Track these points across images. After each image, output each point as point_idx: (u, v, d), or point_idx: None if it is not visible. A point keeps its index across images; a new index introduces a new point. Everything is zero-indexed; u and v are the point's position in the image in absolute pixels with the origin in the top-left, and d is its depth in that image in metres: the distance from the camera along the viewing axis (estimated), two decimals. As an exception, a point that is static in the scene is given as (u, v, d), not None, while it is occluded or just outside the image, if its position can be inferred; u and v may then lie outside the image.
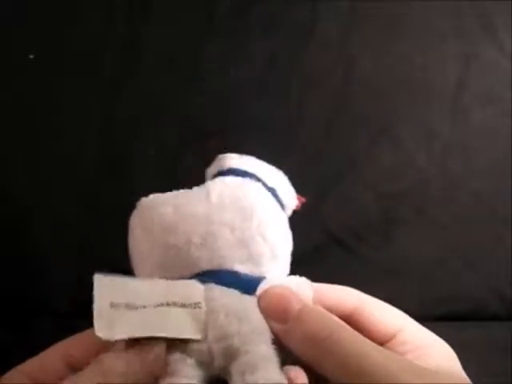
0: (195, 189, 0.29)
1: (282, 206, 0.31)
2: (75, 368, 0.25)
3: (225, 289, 0.25)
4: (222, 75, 0.65)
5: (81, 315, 0.62)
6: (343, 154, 0.66)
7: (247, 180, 0.28)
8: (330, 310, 0.27)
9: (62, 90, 0.64)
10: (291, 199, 0.32)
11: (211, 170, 0.32)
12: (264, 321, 0.24)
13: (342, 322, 0.24)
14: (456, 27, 0.68)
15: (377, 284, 0.67)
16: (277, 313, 0.24)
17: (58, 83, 0.64)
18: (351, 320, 0.28)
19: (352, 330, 0.24)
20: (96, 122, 0.64)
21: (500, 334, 0.63)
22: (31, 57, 0.63)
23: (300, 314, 0.24)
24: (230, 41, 0.66)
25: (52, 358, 0.26)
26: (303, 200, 0.33)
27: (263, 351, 0.23)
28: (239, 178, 0.29)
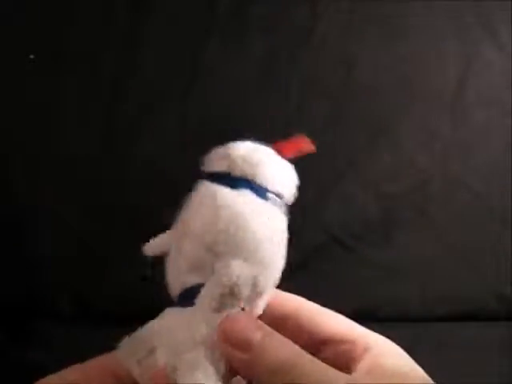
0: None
1: (281, 206, 0.29)
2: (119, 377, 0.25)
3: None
4: (222, 75, 0.65)
5: (80, 315, 0.62)
6: (343, 154, 0.66)
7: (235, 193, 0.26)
8: (271, 309, 0.27)
9: (62, 90, 0.64)
10: (290, 190, 0.29)
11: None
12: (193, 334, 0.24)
13: (301, 350, 0.24)
14: (456, 27, 0.68)
15: (377, 284, 0.68)
16: (238, 342, 0.24)
17: (58, 83, 0.64)
18: (291, 321, 0.28)
19: (312, 358, 0.24)
20: (96, 121, 0.64)
21: (500, 334, 0.63)
22: (31, 57, 0.63)
23: (263, 343, 0.24)
24: (230, 41, 0.66)
25: (97, 369, 0.26)
26: (309, 147, 0.29)
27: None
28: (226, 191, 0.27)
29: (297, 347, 0.24)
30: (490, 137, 0.68)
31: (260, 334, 0.24)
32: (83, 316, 0.61)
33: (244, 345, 0.24)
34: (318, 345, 0.27)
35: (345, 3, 0.67)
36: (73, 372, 0.26)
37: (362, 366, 0.25)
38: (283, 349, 0.24)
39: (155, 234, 0.31)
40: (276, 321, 0.27)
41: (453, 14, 0.68)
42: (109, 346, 0.26)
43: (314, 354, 0.24)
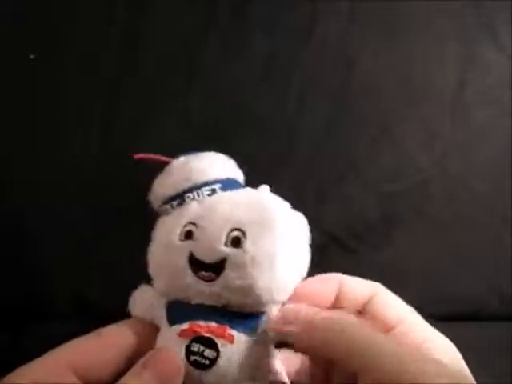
0: None
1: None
2: (80, 375, 0.25)
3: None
4: (222, 75, 0.65)
5: (80, 316, 0.62)
6: (343, 154, 0.66)
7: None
8: (348, 299, 0.29)
9: (63, 90, 0.64)
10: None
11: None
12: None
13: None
14: (456, 27, 0.68)
15: (377, 284, 0.68)
16: (288, 319, 0.26)
17: (58, 83, 0.64)
18: (366, 308, 0.29)
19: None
20: (96, 121, 0.64)
21: (500, 334, 0.63)
22: (31, 57, 0.63)
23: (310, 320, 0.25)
24: (230, 41, 0.66)
25: (57, 362, 0.26)
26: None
27: None
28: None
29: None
30: (490, 137, 0.68)
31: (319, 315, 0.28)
32: (83, 316, 0.61)
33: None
34: (388, 330, 0.28)
35: (345, 3, 0.67)
36: (58, 357, 0.26)
37: None
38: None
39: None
40: (357, 307, 0.28)
41: (453, 14, 0.68)
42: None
43: None
